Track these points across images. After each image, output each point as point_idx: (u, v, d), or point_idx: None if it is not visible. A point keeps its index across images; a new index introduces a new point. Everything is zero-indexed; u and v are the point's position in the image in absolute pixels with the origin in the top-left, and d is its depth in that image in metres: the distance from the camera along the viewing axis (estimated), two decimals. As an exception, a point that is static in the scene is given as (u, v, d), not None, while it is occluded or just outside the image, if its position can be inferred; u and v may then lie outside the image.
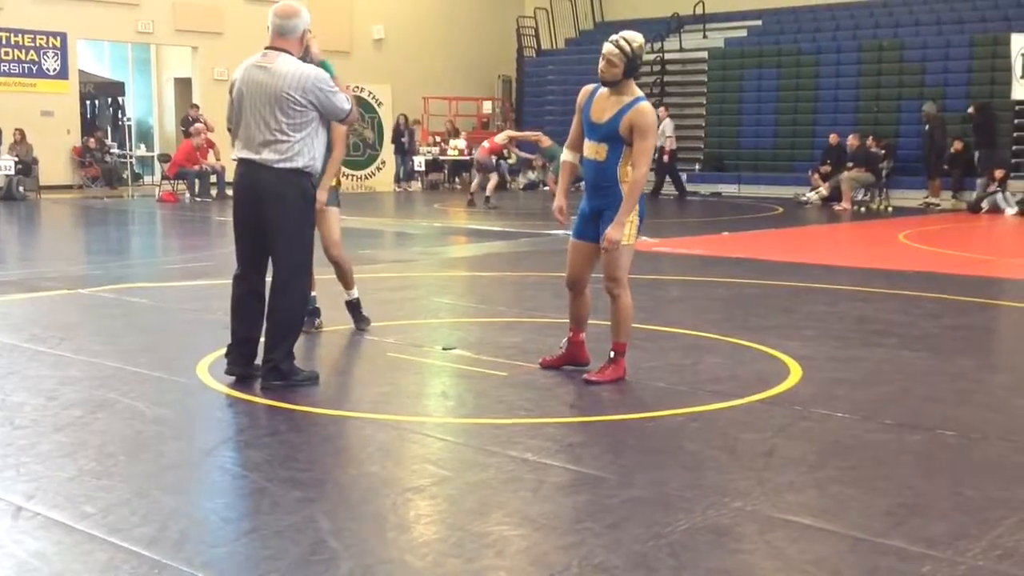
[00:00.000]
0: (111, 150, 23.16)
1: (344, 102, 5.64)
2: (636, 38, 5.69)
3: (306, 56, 5.75)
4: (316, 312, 7.04)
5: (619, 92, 5.63)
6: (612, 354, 5.80)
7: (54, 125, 21.97)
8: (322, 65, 5.86)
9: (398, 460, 4.57)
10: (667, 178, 22.15)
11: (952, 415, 5.17)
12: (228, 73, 24.26)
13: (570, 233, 5.96)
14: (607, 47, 5.59)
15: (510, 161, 25.12)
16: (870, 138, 19.82)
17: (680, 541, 3.53)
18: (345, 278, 7.12)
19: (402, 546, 3.57)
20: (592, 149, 5.69)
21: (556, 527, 3.70)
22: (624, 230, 5.60)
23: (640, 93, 5.68)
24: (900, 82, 21.60)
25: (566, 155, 5.97)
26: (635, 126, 5.52)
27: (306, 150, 5.54)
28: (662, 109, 22.49)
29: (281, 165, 5.50)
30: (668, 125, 21.86)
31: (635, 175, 5.56)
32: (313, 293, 7.07)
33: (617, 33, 5.75)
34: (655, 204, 20.55)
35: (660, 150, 22.03)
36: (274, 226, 5.58)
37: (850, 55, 22.50)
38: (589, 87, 5.81)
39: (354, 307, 7.19)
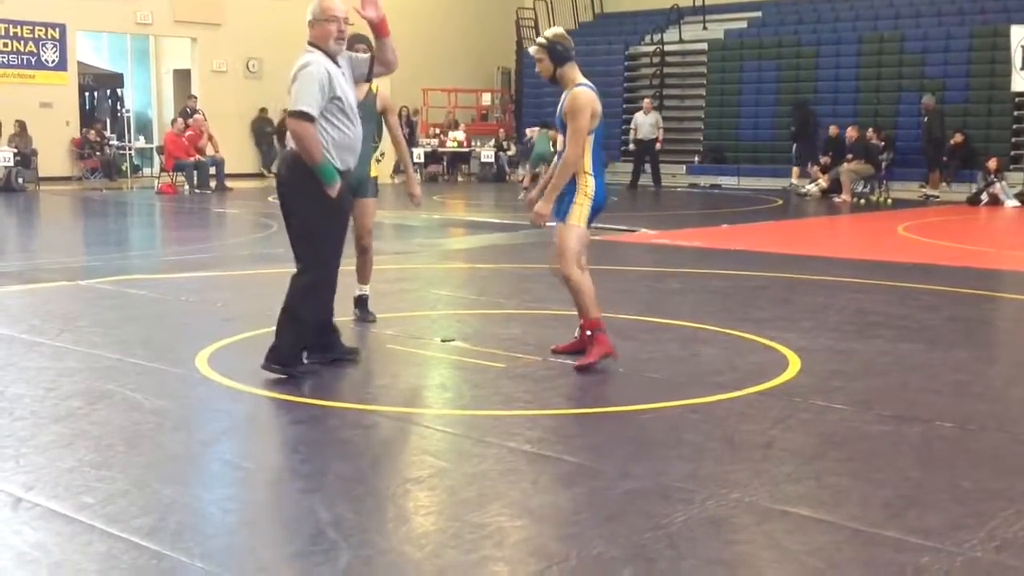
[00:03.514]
0: (110, 142, 23.14)
1: (296, 100, 5.41)
2: (553, 30, 6.15)
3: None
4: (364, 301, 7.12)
5: (565, 86, 5.94)
6: (588, 334, 5.87)
7: (53, 117, 21.94)
8: None
9: (397, 451, 4.58)
10: (644, 170, 22.34)
11: (950, 407, 5.18)
12: (227, 64, 24.32)
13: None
14: (531, 50, 6.05)
15: (509, 153, 25.14)
16: (870, 130, 19.80)
17: (679, 532, 3.53)
18: (365, 270, 7.14)
19: (401, 537, 3.57)
20: (559, 141, 6.07)
21: (555, 518, 3.71)
22: (549, 207, 5.87)
23: (582, 81, 5.93)
24: (900, 74, 21.58)
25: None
26: (567, 110, 5.85)
27: (321, 138, 5.55)
28: (646, 102, 22.58)
29: (294, 153, 5.56)
30: (649, 117, 21.96)
31: (564, 155, 5.86)
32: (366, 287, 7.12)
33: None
34: (636, 196, 20.57)
35: (638, 143, 22.18)
36: (286, 213, 5.68)
37: (850, 47, 22.46)
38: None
39: (363, 303, 7.21)
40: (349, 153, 5.63)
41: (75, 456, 4.31)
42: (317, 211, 5.52)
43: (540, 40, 5.99)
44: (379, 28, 5.60)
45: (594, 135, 5.86)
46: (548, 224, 6.03)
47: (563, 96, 5.94)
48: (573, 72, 5.91)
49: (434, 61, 26.88)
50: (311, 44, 5.57)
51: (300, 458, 4.42)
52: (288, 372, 5.56)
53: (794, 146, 20.99)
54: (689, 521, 3.63)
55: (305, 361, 5.74)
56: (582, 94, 5.81)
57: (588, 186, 5.86)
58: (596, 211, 5.95)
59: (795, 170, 20.86)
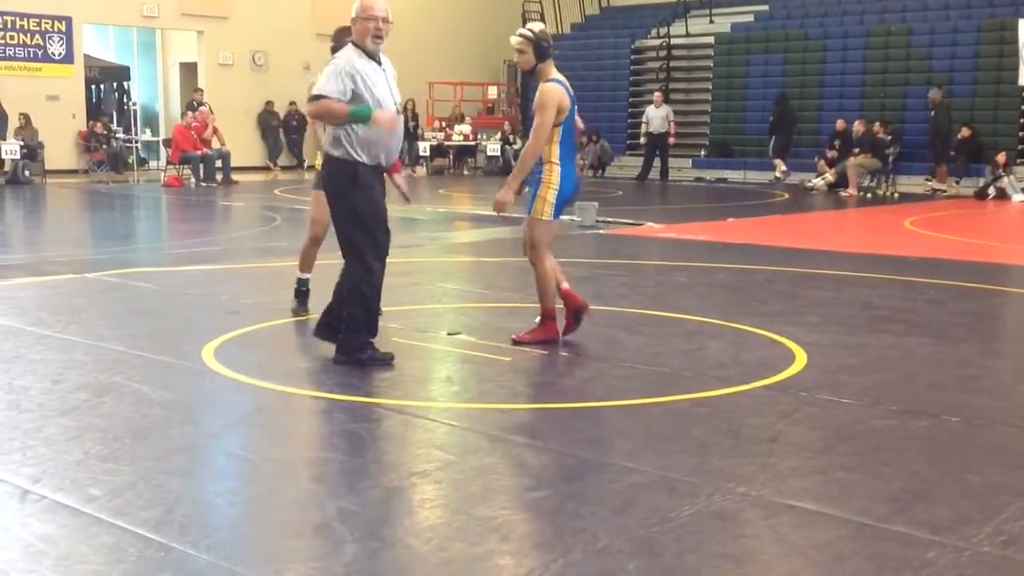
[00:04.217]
0: (116, 135, 23.14)
1: (317, 85, 5.63)
2: (538, 25, 6.36)
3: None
4: (307, 295, 7.08)
5: (541, 80, 6.16)
6: (538, 319, 6.27)
7: (59, 109, 21.95)
8: None
9: (403, 445, 4.58)
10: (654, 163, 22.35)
11: (957, 401, 5.17)
12: (233, 58, 24.32)
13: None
14: (513, 40, 6.20)
15: (515, 147, 25.11)
16: (877, 124, 19.75)
17: (684, 526, 3.53)
18: None
19: (407, 530, 3.58)
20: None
21: (560, 512, 3.71)
22: (510, 195, 6.13)
23: (555, 76, 6.16)
24: (907, 67, 21.52)
25: None
26: (535, 105, 6.09)
27: (343, 137, 5.64)
28: (656, 95, 22.56)
29: (329, 152, 5.72)
30: (661, 111, 21.94)
31: (524, 148, 6.16)
32: (308, 275, 7.08)
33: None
34: (643, 190, 20.53)
35: (649, 136, 22.17)
36: (331, 211, 5.89)
37: (857, 40, 22.39)
38: None
39: None
40: (378, 148, 5.73)
41: (82, 448, 4.32)
42: (356, 209, 5.73)
43: (526, 32, 6.16)
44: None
45: (563, 127, 6.11)
46: (505, 215, 6.28)
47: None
48: (549, 68, 6.18)
49: (440, 54, 26.86)
50: (352, 42, 5.77)
51: (306, 451, 4.42)
52: (352, 359, 5.72)
53: (772, 138, 21.10)
54: (695, 515, 3.63)
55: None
56: (549, 90, 6.06)
57: (553, 175, 6.13)
58: (565, 199, 6.22)
59: (777, 161, 21.01)
